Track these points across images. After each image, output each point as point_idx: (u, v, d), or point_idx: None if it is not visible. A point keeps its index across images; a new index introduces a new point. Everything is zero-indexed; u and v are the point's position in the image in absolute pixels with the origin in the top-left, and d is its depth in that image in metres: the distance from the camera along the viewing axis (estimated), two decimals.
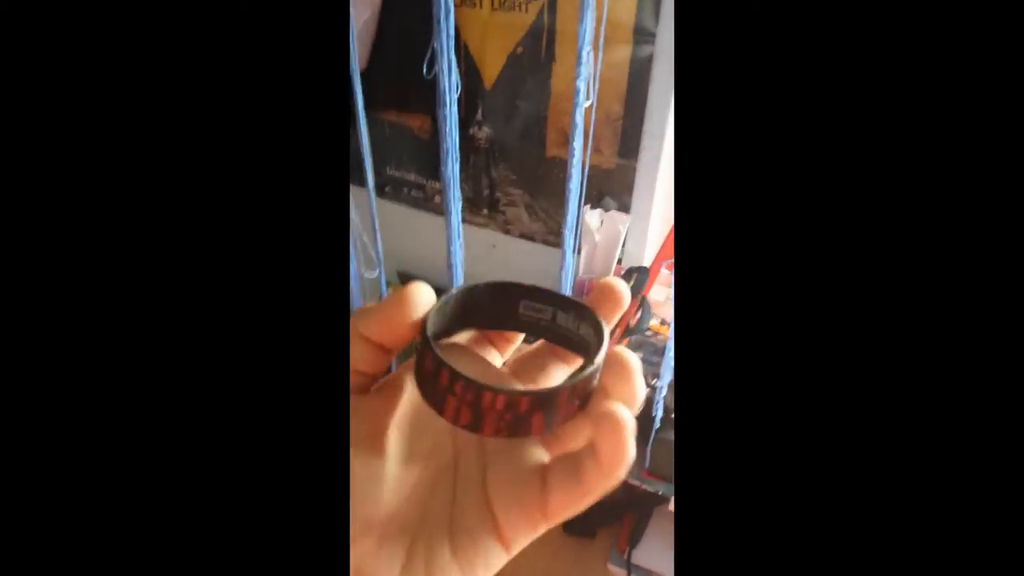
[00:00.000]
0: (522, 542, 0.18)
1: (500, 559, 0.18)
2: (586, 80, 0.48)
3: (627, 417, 0.16)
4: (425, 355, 0.17)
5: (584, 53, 0.47)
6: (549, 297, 0.20)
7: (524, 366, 0.21)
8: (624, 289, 0.19)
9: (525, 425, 0.16)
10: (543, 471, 0.17)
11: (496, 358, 0.22)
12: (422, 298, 0.17)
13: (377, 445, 0.17)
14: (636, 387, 0.17)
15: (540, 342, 0.21)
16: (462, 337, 0.21)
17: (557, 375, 0.21)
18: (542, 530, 0.18)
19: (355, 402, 0.17)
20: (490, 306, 0.20)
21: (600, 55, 0.49)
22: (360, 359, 0.18)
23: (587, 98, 0.49)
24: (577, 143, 0.50)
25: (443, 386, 0.16)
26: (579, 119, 0.50)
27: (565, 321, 0.20)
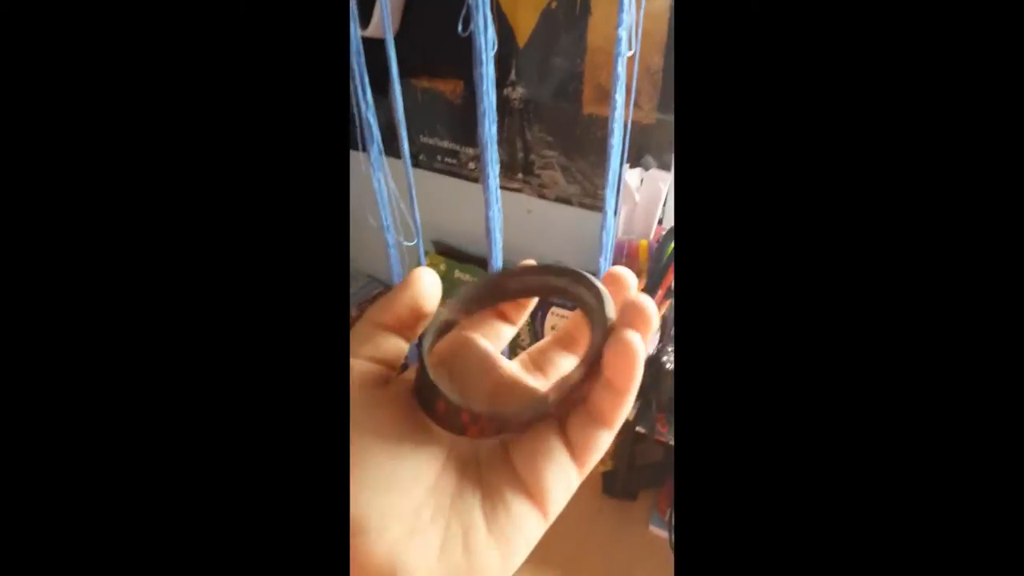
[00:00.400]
0: (557, 501, 0.18)
1: (538, 525, 0.18)
2: (628, 29, 0.46)
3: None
4: (419, 371, 0.18)
5: (625, 1, 0.45)
6: (540, 270, 0.21)
7: (535, 359, 0.22)
8: (630, 276, 0.20)
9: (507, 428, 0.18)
10: (560, 421, 0.18)
11: (507, 331, 0.22)
12: (427, 282, 0.18)
13: (399, 434, 0.17)
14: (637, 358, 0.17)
15: (549, 337, 0.22)
16: (471, 317, 0.21)
17: (565, 367, 0.22)
18: (574, 482, 0.18)
19: (377, 393, 0.17)
20: (487, 293, 0.21)
21: (643, 3, 0.47)
22: (379, 348, 0.18)
23: (629, 48, 0.47)
24: (619, 96, 0.48)
25: (461, 423, 0.17)
26: (621, 70, 0.48)
27: (557, 282, 0.21)
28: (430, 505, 0.16)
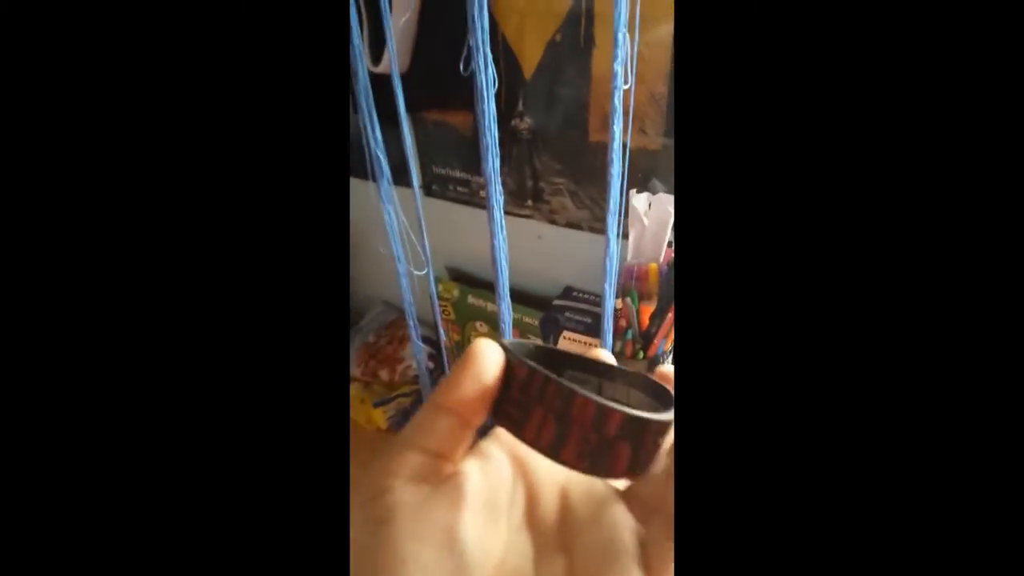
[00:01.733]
0: None
1: None
2: (623, 63, 0.47)
3: None
4: (513, 368, 0.16)
5: (620, 35, 0.46)
6: (594, 367, 0.19)
7: None
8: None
9: (610, 456, 0.15)
10: (637, 535, 0.16)
11: None
12: (491, 355, 0.16)
13: (450, 540, 0.15)
14: None
15: None
16: None
17: None
18: None
19: (424, 494, 0.15)
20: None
21: (637, 36, 0.48)
22: (439, 435, 0.16)
23: (625, 81, 0.48)
24: (617, 127, 0.50)
25: (532, 394, 0.15)
26: (618, 102, 0.49)
27: (612, 392, 0.19)
28: None
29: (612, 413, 0.15)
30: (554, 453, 0.15)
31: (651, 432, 0.15)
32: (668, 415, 0.16)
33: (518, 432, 0.15)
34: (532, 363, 0.15)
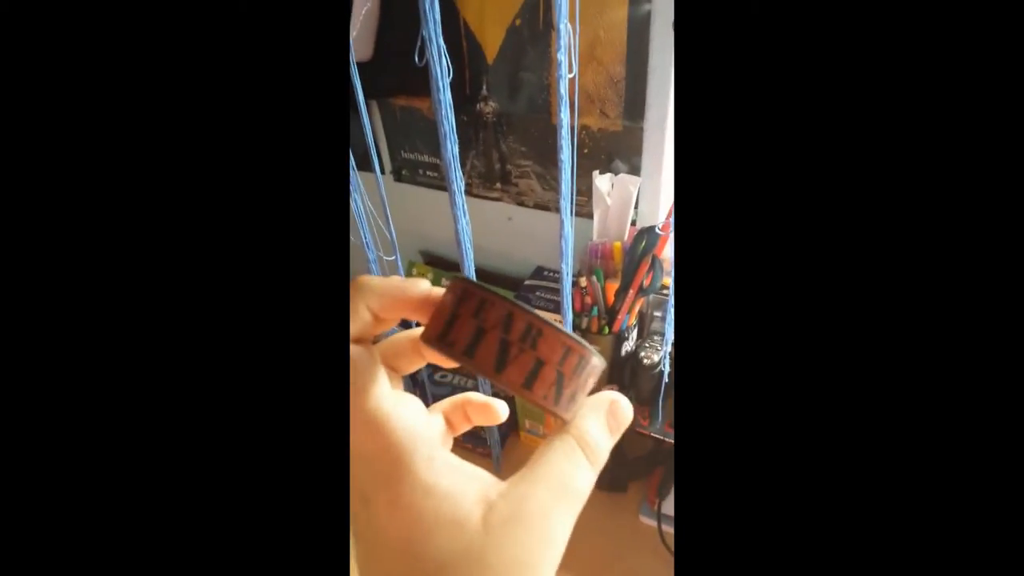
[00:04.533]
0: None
1: None
2: (566, 52, 0.49)
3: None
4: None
5: (561, 27, 0.48)
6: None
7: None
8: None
9: (455, 329, 0.18)
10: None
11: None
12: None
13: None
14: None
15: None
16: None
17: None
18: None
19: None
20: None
21: (578, 25, 0.50)
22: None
23: (570, 70, 0.50)
24: (564, 114, 0.52)
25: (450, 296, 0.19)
26: (563, 91, 0.51)
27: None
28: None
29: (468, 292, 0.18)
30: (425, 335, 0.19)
31: (474, 298, 0.18)
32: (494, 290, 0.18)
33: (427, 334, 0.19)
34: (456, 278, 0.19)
